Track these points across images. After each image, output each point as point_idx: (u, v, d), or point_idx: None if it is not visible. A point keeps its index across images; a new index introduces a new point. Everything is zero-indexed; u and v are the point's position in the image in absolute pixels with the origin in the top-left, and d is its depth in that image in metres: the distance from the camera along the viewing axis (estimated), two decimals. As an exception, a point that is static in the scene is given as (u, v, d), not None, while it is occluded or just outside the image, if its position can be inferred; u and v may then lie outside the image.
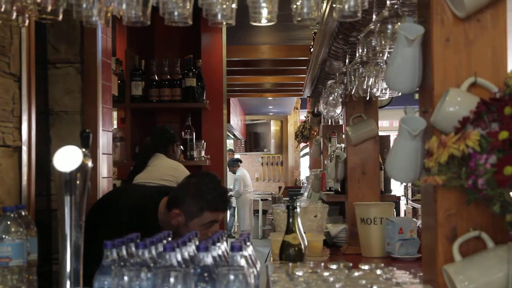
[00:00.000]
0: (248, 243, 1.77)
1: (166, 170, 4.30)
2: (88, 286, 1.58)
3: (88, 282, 1.57)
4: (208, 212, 2.61)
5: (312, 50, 4.43)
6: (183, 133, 5.29)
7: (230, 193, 10.37)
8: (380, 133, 3.56)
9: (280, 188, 14.79)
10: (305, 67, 5.48)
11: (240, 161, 13.65)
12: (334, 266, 1.73)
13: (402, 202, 8.40)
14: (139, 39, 5.78)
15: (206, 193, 2.62)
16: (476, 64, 1.60)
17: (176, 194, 2.69)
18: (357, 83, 2.91)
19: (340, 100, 3.85)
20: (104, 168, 3.38)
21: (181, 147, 4.95)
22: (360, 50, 2.65)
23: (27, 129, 2.62)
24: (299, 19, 1.67)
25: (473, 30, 1.61)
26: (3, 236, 1.81)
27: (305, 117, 10.16)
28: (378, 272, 1.67)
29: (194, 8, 1.66)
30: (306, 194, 5.81)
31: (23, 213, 1.89)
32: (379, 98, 3.13)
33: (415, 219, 3.28)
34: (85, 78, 3.23)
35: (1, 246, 1.80)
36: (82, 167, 1.70)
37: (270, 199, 13.41)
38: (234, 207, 13.19)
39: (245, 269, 1.42)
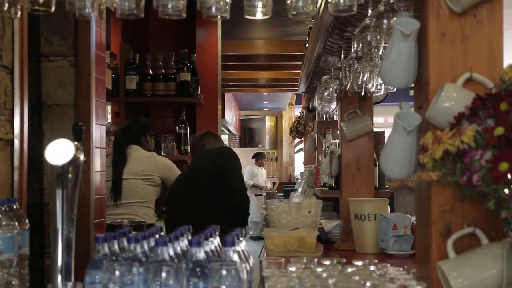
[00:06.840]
0: (241, 238, 1.76)
1: (146, 164, 4.39)
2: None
3: None
4: None
5: (307, 45, 4.42)
6: (177, 127, 5.28)
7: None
8: (375, 130, 3.55)
9: (274, 183, 14.77)
10: (300, 63, 5.47)
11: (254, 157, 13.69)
12: (327, 262, 1.72)
13: (396, 198, 8.38)
14: (134, 33, 5.75)
15: None
16: (472, 60, 1.59)
17: None
18: (352, 78, 2.89)
19: (335, 95, 3.84)
20: (97, 162, 3.36)
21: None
22: (356, 45, 2.63)
23: (19, 122, 2.59)
24: (294, 12, 1.66)
25: (469, 25, 1.60)
26: (-6, 230, 1.79)
27: (299, 112, 10.14)
28: (372, 268, 1.66)
29: (189, 2, 1.65)
30: (300, 189, 5.80)
31: (14, 207, 1.87)
32: (374, 94, 3.12)
33: (409, 216, 3.27)
34: (79, 72, 3.20)
35: (-9, 240, 1.78)
36: (74, 161, 1.69)
37: (265, 194, 13.38)
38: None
39: (238, 264, 1.41)
